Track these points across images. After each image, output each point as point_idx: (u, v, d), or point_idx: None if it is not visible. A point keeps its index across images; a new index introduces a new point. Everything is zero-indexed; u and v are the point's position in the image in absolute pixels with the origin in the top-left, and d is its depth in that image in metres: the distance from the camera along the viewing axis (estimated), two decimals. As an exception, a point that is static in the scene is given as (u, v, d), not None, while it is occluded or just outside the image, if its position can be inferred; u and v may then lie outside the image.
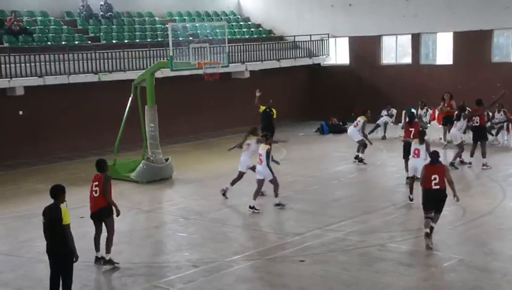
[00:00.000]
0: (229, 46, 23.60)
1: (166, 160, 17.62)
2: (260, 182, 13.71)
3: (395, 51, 26.60)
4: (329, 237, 11.73)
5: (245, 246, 11.61)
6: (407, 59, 26.02)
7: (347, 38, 27.39)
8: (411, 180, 13.96)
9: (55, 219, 8.49)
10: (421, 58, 25.61)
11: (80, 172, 18.57)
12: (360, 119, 17.79)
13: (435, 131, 21.29)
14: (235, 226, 12.93)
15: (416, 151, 13.90)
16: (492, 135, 19.85)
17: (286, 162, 18.82)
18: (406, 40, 26.00)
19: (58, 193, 8.65)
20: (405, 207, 13.79)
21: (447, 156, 18.37)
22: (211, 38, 24.27)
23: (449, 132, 19.31)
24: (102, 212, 10.55)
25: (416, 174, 13.62)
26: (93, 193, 10.54)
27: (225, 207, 14.31)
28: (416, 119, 16.32)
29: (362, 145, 17.84)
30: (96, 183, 10.53)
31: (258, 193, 13.77)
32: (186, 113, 24.32)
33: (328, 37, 27.65)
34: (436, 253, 10.74)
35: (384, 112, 22.83)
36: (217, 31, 25.57)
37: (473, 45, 23.72)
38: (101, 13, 24.82)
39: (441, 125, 20.78)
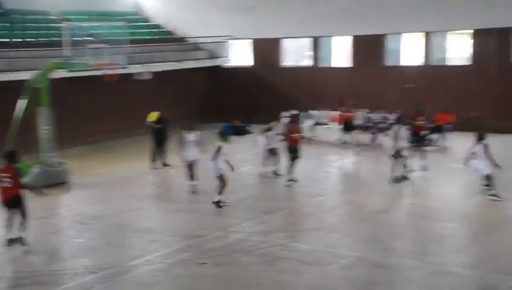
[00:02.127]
0: (128, 47, 23.12)
1: (62, 164, 16.99)
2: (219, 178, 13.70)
3: (296, 54, 27.11)
4: (232, 239, 11.72)
5: (145, 250, 11.35)
6: (308, 62, 26.59)
7: (249, 41, 27.63)
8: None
9: None
10: (320, 61, 26.28)
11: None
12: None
13: (334, 132, 21.84)
14: (135, 230, 12.64)
15: None
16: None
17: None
18: (306, 43, 26.57)
19: None
20: (306, 207, 14.04)
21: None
22: (109, 38, 23.68)
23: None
24: (16, 201, 11.17)
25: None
26: (5, 183, 11.04)
27: (124, 211, 13.96)
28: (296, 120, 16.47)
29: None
30: (8, 175, 11.07)
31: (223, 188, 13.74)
32: (84, 115, 23.49)
33: (230, 39, 27.76)
34: (335, 251, 10.97)
35: (285, 114, 23.15)
36: (116, 31, 24.99)
37: (368, 48, 24.64)
38: (-9, 10, 23.59)
39: (340, 127, 21.35)
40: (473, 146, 13.96)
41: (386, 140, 16.14)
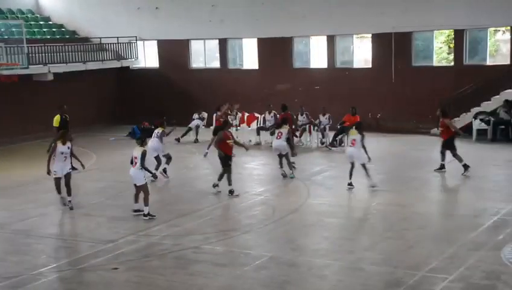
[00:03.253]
0: (28, 47, 22.18)
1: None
2: (138, 188, 13.02)
3: (204, 55, 27.06)
4: (144, 243, 11.50)
5: (53, 257, 10.94)
6: (216, 63, 26.62)
7: (156, 42, 27.30)
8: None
9: None
10: (229, 62, 26.37)
11: None
12: (159, 131, 16.72)
13: (244, 134, 21.93)
14: (41, 236, 12.13)
15: None
16: (296, 136, 21.02)
17: (97, 168, 18.18)
18: (214, 45, 26.57)
19: None
20: (219, 209, 14.01)
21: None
22: (6, 37, 22.61)
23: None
24: None
25: None
26: None
27: (29, 217, 13.36)
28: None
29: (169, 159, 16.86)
30: None
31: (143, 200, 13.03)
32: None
33: (136, 40, 27.29)
34: (248, 252, 11.03)
35: (195, 116, 23.06)
36: (13, 29, 23.92)
37: (276, 51, 24.99)
38: None
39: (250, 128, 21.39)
40: (348, 135, 14.87)
41: (275, 141, 16.41)
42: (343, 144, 20.60)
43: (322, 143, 21.04)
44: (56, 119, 17.60)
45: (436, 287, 9.18)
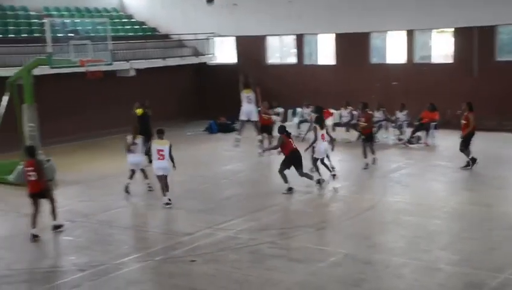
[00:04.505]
0: (112, 44, 22.93)
1: (48, 161, 16.82)
2: (163, 178, 13.70)
3: (280, 51, 27.14)
4: (220, 236, 11.70)
5: (134, 247, 11.34)
6: (292, 59, 26.64)
7: (233, 38, 27.61)
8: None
9: None
10: (305, 58, 26.32)
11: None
12: (250, 95, 17.97)
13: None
14: (124, 227, 12.60)
15: None
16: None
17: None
18: (290, 40, 26.60)
19: None
20: (295, 204, 14.06)
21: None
22: (92, 35, 23.44)
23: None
24: (43, 192, 12.03)
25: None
26: (31, 177, 11.91)
27: (113, 208, 13.90)
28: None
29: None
30: (32, 168, 11.91)
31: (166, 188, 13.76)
32: (69, 112, 23.32)
33: (214, 36, 27.72)
34: (324, 248, 11.04)
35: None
36: (99, 27, 24.79)
37: (353, 46, 24.72)
38: (-30, 5, 23.28)
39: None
40: (317, 131, 14.89)
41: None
42: (421, 141, 20.19)
43: (400, 140, 20.70)
44: (139, 111, 18.23)
45: (520, 291, 8.91)
